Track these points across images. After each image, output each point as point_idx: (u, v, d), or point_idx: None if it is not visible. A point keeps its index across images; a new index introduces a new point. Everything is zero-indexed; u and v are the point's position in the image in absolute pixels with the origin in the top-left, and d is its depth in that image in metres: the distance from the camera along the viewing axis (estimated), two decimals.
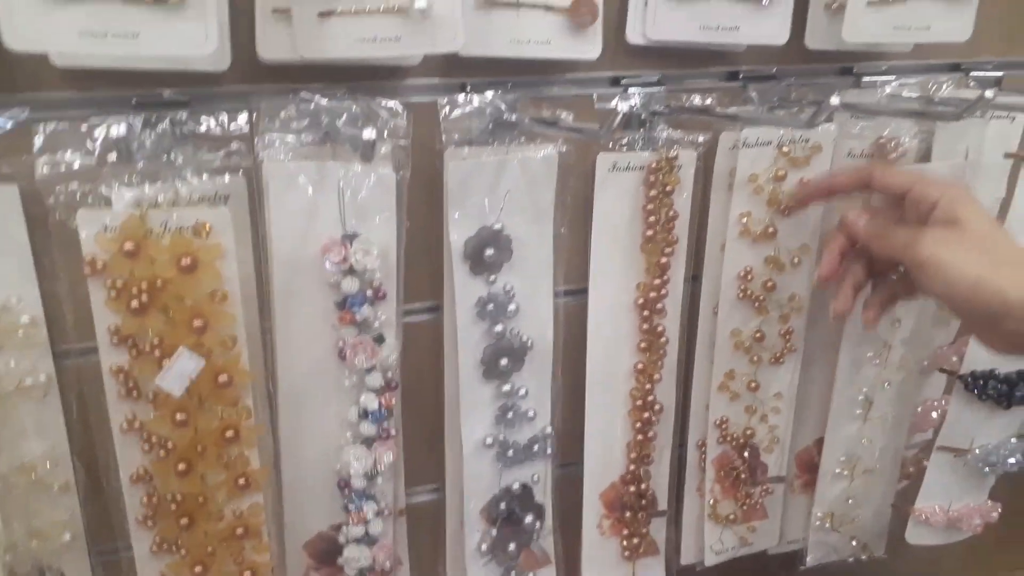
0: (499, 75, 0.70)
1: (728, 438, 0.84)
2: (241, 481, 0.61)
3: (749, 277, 0.78)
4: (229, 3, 0.58)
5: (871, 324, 0.73)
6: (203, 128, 0.61)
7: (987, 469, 0.84)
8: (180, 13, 0.49)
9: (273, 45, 0.59)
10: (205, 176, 0.61)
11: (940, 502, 0.86)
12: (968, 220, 0.62)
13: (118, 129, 0.55)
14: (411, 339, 0.75)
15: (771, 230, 0.77)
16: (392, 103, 0.64)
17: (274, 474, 0.69)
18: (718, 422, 0.83)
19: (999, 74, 0.85)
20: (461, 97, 0.68)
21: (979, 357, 0.80)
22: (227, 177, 0.62)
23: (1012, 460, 0.85)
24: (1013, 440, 0.85)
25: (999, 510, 0.89)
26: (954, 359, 0.85)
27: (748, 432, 0.84)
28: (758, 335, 0.81)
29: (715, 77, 0.77)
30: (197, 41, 0.50)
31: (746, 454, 0.85)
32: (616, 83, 0.74)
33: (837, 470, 0.86)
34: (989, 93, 0.59)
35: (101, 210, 0.55)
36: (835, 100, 0.54)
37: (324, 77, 0.65)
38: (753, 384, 0.82)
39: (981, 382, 0.80)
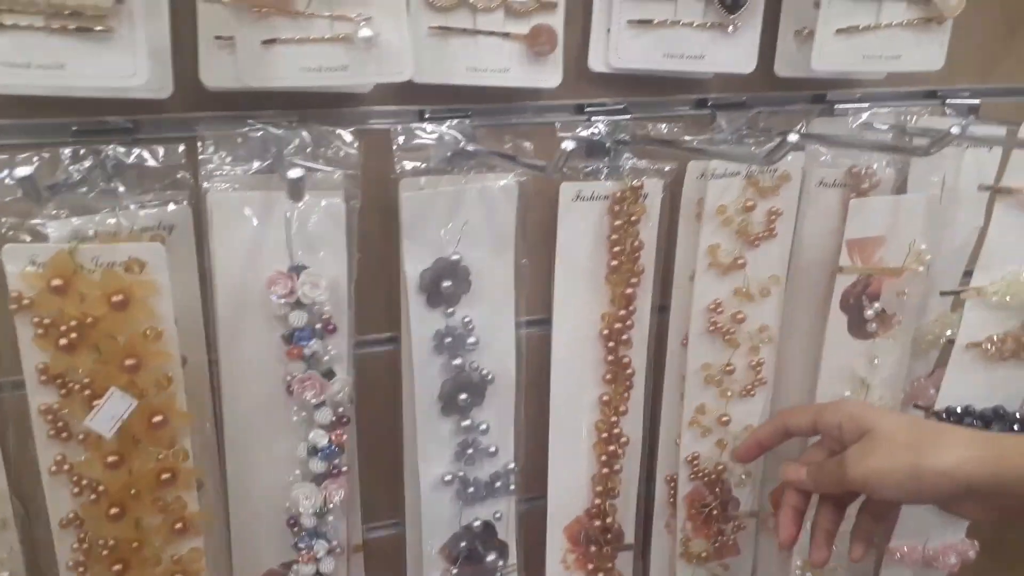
0: (462, 102, 0.68)
1: (699, 474, 0.81)
2: (179, 526, 0.59)
3: (719, 310, 0.76)
4: (171, 30, 0.56)
5: (860, 559, 0.71)
6: (147, 157, 0.59)
7: None
8: (107, 44, 0.48)
9: (217, 72, 0.57)
10: (146, 208, 0.59)
11: (915, 540, 0.84)
12: (875, 425, 0.63)
13: (45, 162, 0.53)
14: (369, 371, 0.73)
15: (740, 261, 0.75)
16: (343, 132, 0.62)
17: (222, 510, 0.67)
18: (689, 458, 0.81)
19: (975, 102, 0.83)
20: (421, 125, 0.66)
21: (955, 392, 0.78)
22: (171, 207, 0.60)
23: None
24: None
25: (976, 548, 0.86)
26: (932, 391, 0.83)
27: (719, 467, 0.82)
28: (728, 368, 0.79)
29: (684, 105, 0.76)
30: (125, 72, 0.48)
31: (718, 490, 0.83)
32: (581, 111, 0.72)
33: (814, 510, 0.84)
34: (955, 129, 0.57)
35: (28, 245, 0.53)
36: (793, 137, 0.52)
37: (275, 104, 0.63)
38: (724, 418, 0.80)
39: (956, 418, 0.78)
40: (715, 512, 0.83)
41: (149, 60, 0.50)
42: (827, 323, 0.76)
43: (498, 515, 0.75)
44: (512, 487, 0.75)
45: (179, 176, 0.61)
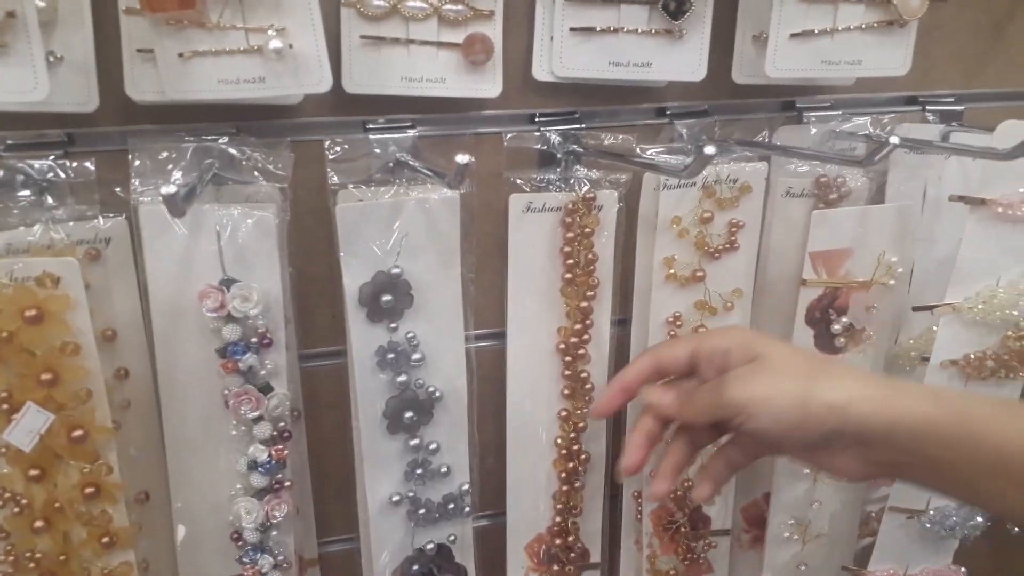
0: (407, 112, 0.67)
1: None
2: (105, 539, 0.59)
3: (678, 323, 0.74)
4: (95, 42, 0.56)
5: (707, 500, 0.64)
6: (79, 170, 0.59)
7: (943, 532, 0.78)
8: (2, 59, 0.48)
9: (141, 86, 0.57)
10: (82, 221, 0.59)
11: (894, 565, 0.80)
12: (768, 352, 0.56)
13: None
14: (318, 384, 0.73)
15: (699, 274, 0.73)
16: (275, 144, 0.62)
17: (166, 524, 0.67)
18: (653, 473, 0.78)
19: (959, 108, 0.80)
20: (363, 136, 0.65)
21: None
22: (101, 220, 0.60)
23: (973, 522, 0.78)
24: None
25: (964, 575, 0.82)
26: None
27: (687, 484, 0.79)
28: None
29: (644, 114, 0.74)
30: (25, 87, 0.48)
31: (686, 507, 0.80)
32: (532, 120, 0.71)
33: (786, 534, 0.81)
34: (894, 139, 0.54)
35: None
36: (710, 149, 0.49)
37: (212, 116, 0.63)
38: None
39: None
40: (683, 529, 0.81)
41: (55, 75, 0.49)
42: (792, 337, 0.73)
43: (452, 538, 0.73)
44: (467, 509, 0.73)
45: (116, 189, 0.61)
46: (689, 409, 0.59)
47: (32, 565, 0.57)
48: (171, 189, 0.43)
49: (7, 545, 0.57)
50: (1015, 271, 0.70)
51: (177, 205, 0.44)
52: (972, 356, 0.72)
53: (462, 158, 0.50)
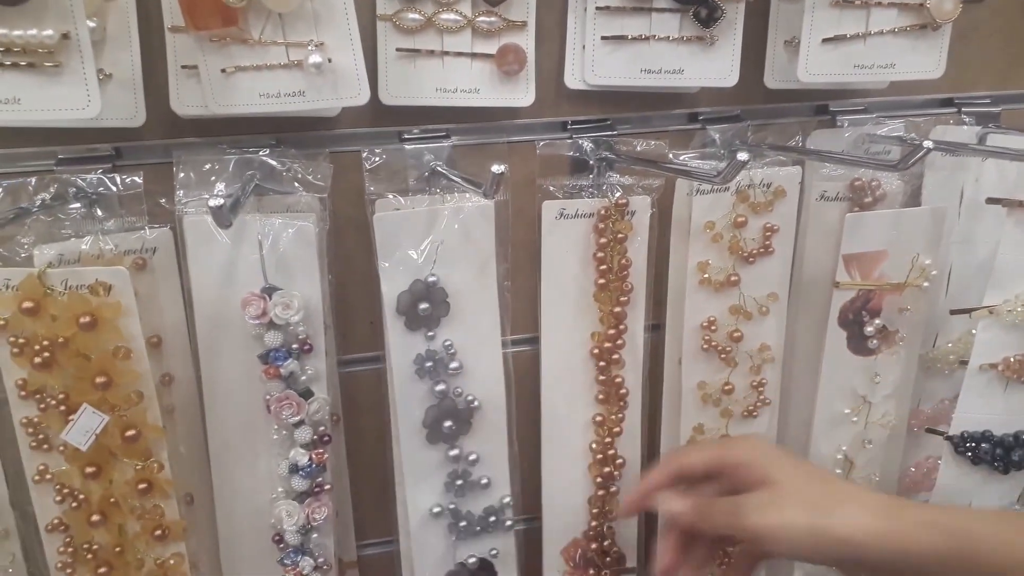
0: (443, 122, 0.68)
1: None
2: (158, 532, 0.61)
3: (713, 327, 0.74)
4: (142, 60, 0.58)
5: None
6: (127, 183, 0.62)
7: None
8: (57, 78, 0.50)
9: (186, 100, 0.59)
10: (129, 231, 0.62)
11: None
12: (780, 476, 0.58)
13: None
14: (357, 390, 0.74)
15: (734, 278, 0.73)
16: (315, 155, 0.64)
17: (211, 524, 0.69)
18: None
19: (996, 109, 0.79)
20: (401, 146, 0.66)
21: (971, 416, 0.74)
22: (147, 231, 0.62)
23: None
24: (1016, 507, 0.77)
25: None
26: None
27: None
28: (727, 387, 0.76)
29: (677, 120, 0.74)
30: (79, 104, 0.50)
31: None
32: (564, 128, 0.71)
33: None
34: (928, 143, 0.54)
35: (1, 269, 0.55)
36: (743, 156, 0.50)
37: (254, 129, 0.64)
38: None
39: (972, 444, 0.73)
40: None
41: (105, 91, 0.51)
42: (826, 340, 0.73)
43: (494, 552, 0.74)
44: (508, 523, 0.73)
45: (161, 201, 0.63)
46: (706, 522, 0.61)
47: (89, 556, 0.60)
48: (219, 201, 0.45)
49: (66, 537, 0.60)
50: None
51: (224, 216, 0.46)
52: (1012, 359, 0.71)
53: (497, 168, 0.52)
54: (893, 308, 0.74)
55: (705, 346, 0.75)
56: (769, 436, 0.79)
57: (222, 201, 0.45)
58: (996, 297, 0.70)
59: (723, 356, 0.75)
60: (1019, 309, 0.69)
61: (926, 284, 0.73)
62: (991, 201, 0.68)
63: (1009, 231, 0.69)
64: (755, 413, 0.78)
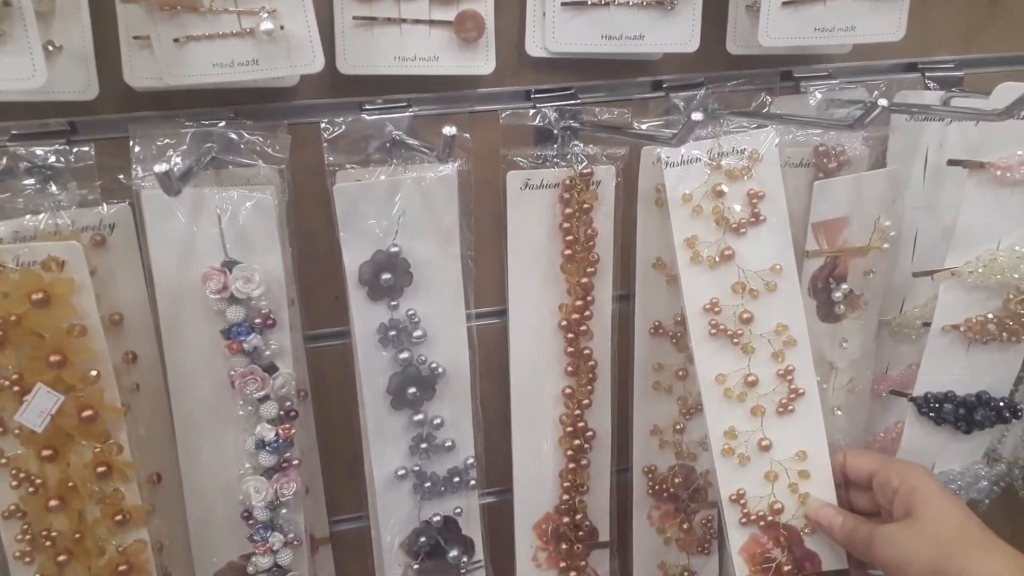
0: (403, 91, 0.68)
1: (753, 518, 0.72)
2: (119, 517, 0.60)
3: (717, 309, 0.69)
4: (93, 31, 0.57)
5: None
6: (81, 157, 0.61)
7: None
8: (1, 47, 0.49)
9: (139, 72, 0.58)
10: (86, 207, 0.61)
11: None
12: (921, 512, 0.63)
13: None
14: (324, 364, 0.74)
15: (728, 252, 0.68)
16: (273, 127, 0.63)
17: (179, 504, 0.68)
18: (734, 496, 0.72)
19: (959, 73, 0.79)
20: (361, 117, 0.66)
21: (935, 378, 0.74)
22: (104, 207, 0.61)
23: (980, 486, 0.78)
24: (979, 465, 0.78)
25: None
26: None
27: (776, 507, 0.71)
28: (751, 379, 0.70)
29: (640, 87, 0.74)
30: (24, 74, 0.49)
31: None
32: (527, 97, 0.71)
33: None
34: (883, 101, 0.54)
35: None
36: (697, 115, 0.50)
37: (211, 101, 0.64)
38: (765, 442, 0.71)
39: (936, 405, 0.74)
40: (786, 568, 0.72)
41: (56, 64, 0.50)
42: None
43: (458, 510, 0.74)
44: (472, 482, 0.74)
45: (119, 176, 0.62)
46: (847, 545, 0.69)
47: (48, 543, 0.59)
48: (164, 167, 0.44)
49: (24, 524, 0.59)
50: (1015, 235, 0.69)
51: (171, 183, 0.45)
52: (974, 320, 0.71)
53: (448, 130, 0.51)
54: (858, 272, 0.74)
55: (713, 331, 0.69)
56: (811, 434, 0.72)
57: (167, 167, 0.44)
58: (958, 259, 0.70)
59: (736, 342, 0.70)
60: (980, 270, 0.70)
61: (886, 246, 0.73)
62: (952, 163, 0.69)
63: (970, 193, 0.69)
64: (790, 408, 0.71)
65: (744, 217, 0.69)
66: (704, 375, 0.70)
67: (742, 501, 0.71)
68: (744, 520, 0.71)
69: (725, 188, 0.69)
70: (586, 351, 0.75)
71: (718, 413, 0.70)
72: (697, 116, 0.50)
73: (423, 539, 0.74)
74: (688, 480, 0.81)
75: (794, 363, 0.71)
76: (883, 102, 0.53)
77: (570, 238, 0.72)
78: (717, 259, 0.69)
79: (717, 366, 0.70)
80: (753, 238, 0.70)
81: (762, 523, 0.71)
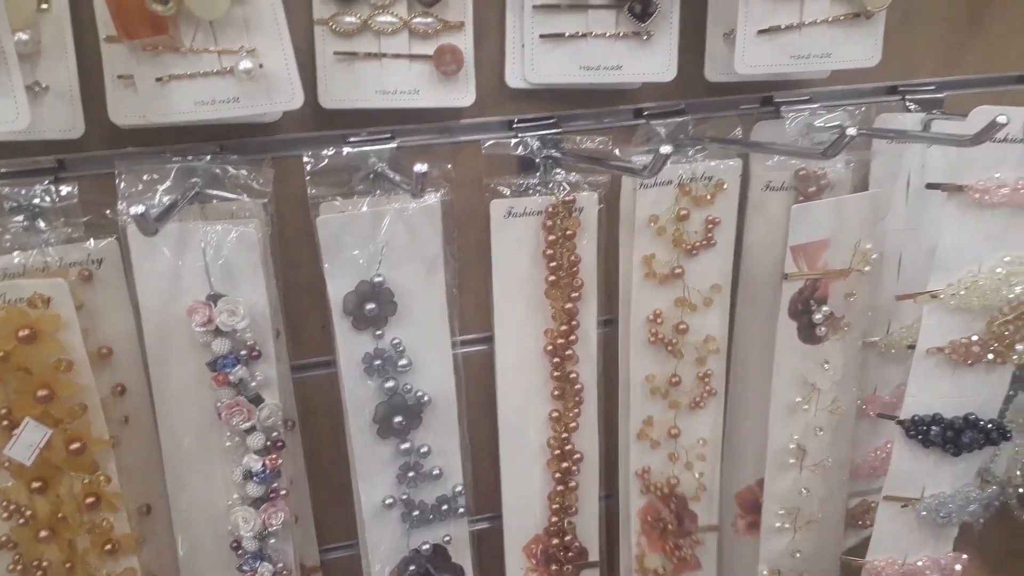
0: (389, 124, 0.69)
1: (651, 488, 0.80)
2: (108, 547, 0.61)
3: (659, 320, 0.75)
4: (79, 71, 0.59)
5: None
6: (68, 195, 0.62)
7: (940, 520, 0.77)
8: None
9: (124, 111, 0.59)
10: (73, 243, 0.62)
11: (893, 555, 0.80)
12: None
13: None
14: (313, 394, 0.74)
15: (678, 271, 0.74)
16: (258, 161, 0.64)
17: (168, 535, 0.69)
18: (639, 472, 0.79)
19: (940, 96, 0.80)
20: (342, 150, 0.67)
21: (921, 400, 0.74)
22: (91, 242, 0.62)
23: (971, 508, 0.78)
24: (970, 487, 0.78)
25: (963, 562, 0.82)
26: None
27: (672, 481, 0.80)
28: (674, 379, 0.77)
29: (622, 115, 0.75)
30: (7, 117, 0.50)
31: (672, 504, 0.81)
32: (510, 127, 0.72)
33: (778, 524, 0.81)
34: (851, 130, 0.54)
35: None
36: (666, 149, 0.50)
37: (194, 136, 0.65)
38: (674, 431, 0.79)
39: (923, 428, 0.74)
40: (670, 527, 0.81)
41: (42, 103, 0.52)
42: (777, 332, 0.74)
43: (447, 538, 0.75)
44: (461, 510, 0.74)
45: (106, 212, 0.63)
46: None
47: (39, 573, 0.60)
48: (139, 209, 0.45)
49: (15, 554, 0.60)
50: (996, 256, 0.70)
51: (147, 224, 0.46)
52: (959, 342, 0.72)
53: (420, 167, 0.52)
54: (839, 294, 0.74)
55: (652, 339, 0.76)
56: (716, 426, 0.80)
57: (143, 208, 0.45)
58: (940, 281, 0.71)
59: (669, 348, 0.76)
60: (962, 292, 0.70)
61: (867, 268, 0.74)
62: (931, 186, 0.69)
63: (949, 216, 0.69)
64: (702, 404, 0.79)
65: (698, 240, 0.73)
66: (635, 375, 0.77)
67: (646, 475, 0.80)
68: (644, 490, 0.80)
69: (689, 212, 0.73)
70: (572, 375, 0.76)
71: (642, 405, 0.78)
72: (666, 149, 0.51)
73: (412, 568, 0.74)
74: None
75: (713, 368, 0.78)
76: (851, 131, 0.54)
77: (554, 264, 0.72)
78: (667, 276, 0.74)
79: (649, 368, 0.77)
80: (702, 259, 0.75)
81: (659, 493, 0.80)
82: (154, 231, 0.47)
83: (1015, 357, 0.72)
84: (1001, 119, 0.56)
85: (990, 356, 0.72)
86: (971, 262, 0.70)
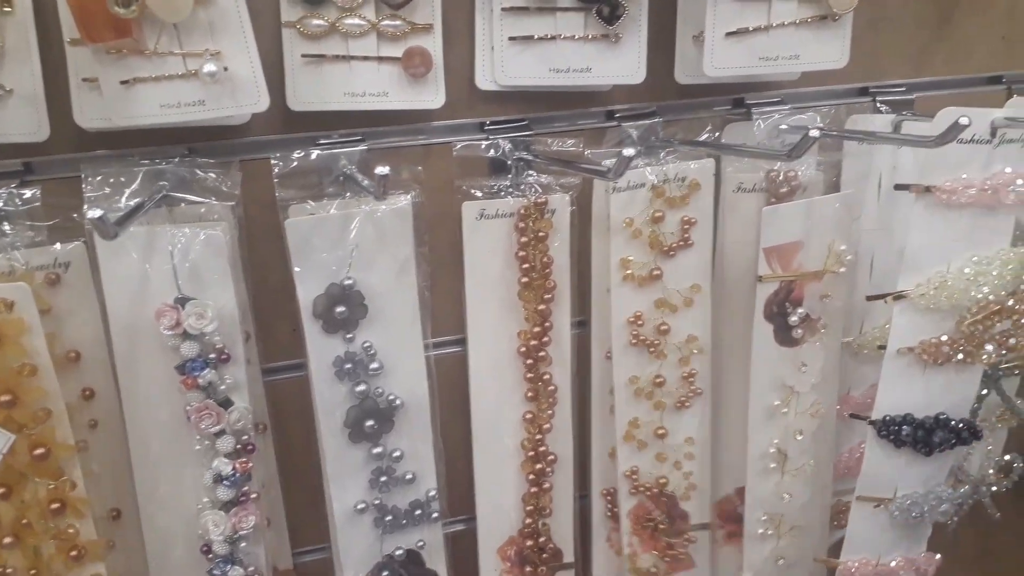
0: (360, 126, 0.69)
1: (640, 488, 0.80)
2: (74, 552, 0.60)
3: (640, 322, 0.75)
4: (44, 74, 0.58)
5: None
6: (33, 198, 0.61)
7: (912, 519, 0.78)
8: None
9: (89, 114, 0.59)
10: (39, 246, 0.61)
11: (867, 555, 0.80)
12: None
13: None
14: (285, 397, 0.74)
15: (656, 272, 0.74)
16: (227, 164, 0.64)
17: (138, 539, 0.68)
18: (628, 472, 0.79)
19: (910, 97, 0.80)
20: (311, 152, 0.67)
21: (892, 400, 0.74)
22: (59, 246, 0.62)
23: (943, 508, 0.79)
24: (942, 487, 0.79)
25: (938, 562, 0.82)
26: None
27: (661, 481, 0.80)
28: (658, 380, 0.77)
29: (594, 117, 0.75)
30: None
31: (663, 503, 0.81)
32: (482, 129, 0.72)
33: (761, 530, 0.81)
34: (814, 132, 0.55)
35: None
36: (629, 151, 0.51)
37: (163, 139, 0.64)
38: (660, 431, 0.78)
39: (895, 428, 0.74)
40: (661, 526, 0.81)
41: (6, 107, 0.52)
42: (752, 334, 0.74)
43: (421, 543, 0.74)
44: (435, 515, 0.74)
45: (74, 215, 0.63)
46: None
47: None
48: (96, 213, 0.45)
49: None
50: (964, 257, 0.70)
51: (106, 229, 0.46)
52: (929, 342, 0.72)
53: (381, 169, 0.52)
54: (814, 296, 0.75)
55: (634, 341, 0.75)
56: (703, 425, 0.80)
57: (100, 212, 0.45)
58: (909, 281, 0.71)
59: (652, 350, 0.76)
60: (931, 292, 0.70)
61: (842, 269, 0.74)
62: (899, 187, 0.69)
63: (918, 216, 0.70)
64: (687, 404, 0.79)
65: (675, 241, 0.73)
66: (620, 377, 0.76)
67: (634, 476, 0.79)
68: (633, 491, 0.80)
69: (664, 214, 0.73)
70: (546, 376, 0.76)
71: (627, 407, 0.77)
72: (628, 152, 0.51)
73: (386, 573, 0.74)
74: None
75: (697, 368, 0.78)
76: (814, 133, 0.54)
77: (526, 266, 0.72)
78: (646, 278, 0.74)
79: (633, 369, 0.77)
80: (680, 260, 0.75)
81: (648, 493, 0.80)
82: (114, 235, 0.47)
83: (984, 357, 0.73)
84: (963, 120, 0.56)
85: (960, 356, 0.73)
86: (940, 262, 0.70)
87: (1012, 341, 0.74)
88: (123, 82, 0.56)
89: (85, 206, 0.61)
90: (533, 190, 0.71)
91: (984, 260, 0.70)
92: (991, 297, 0.70)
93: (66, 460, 0.59)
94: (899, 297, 0.70)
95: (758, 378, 0.77)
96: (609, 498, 0.82)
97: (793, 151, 0.55)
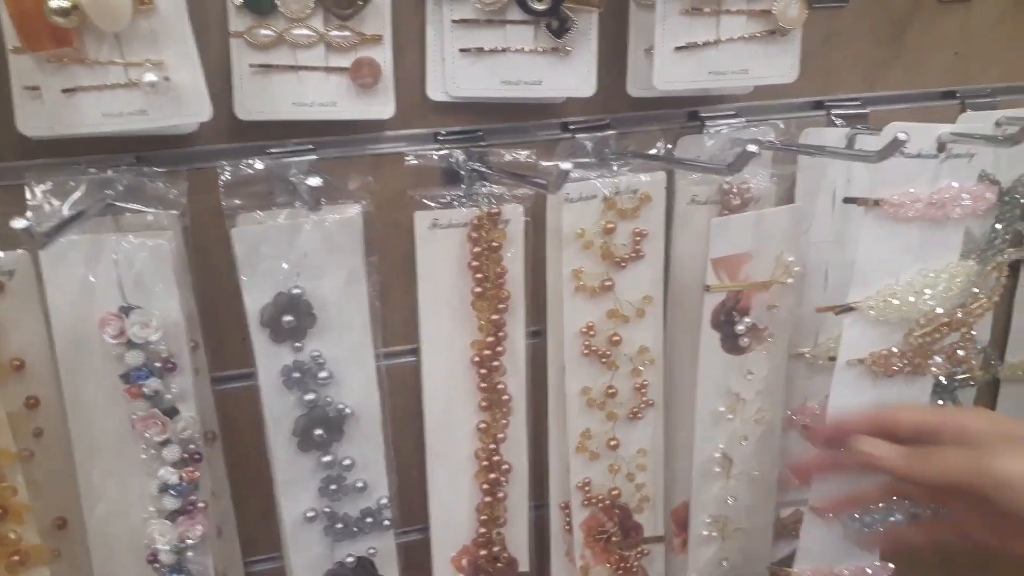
0: (311, 137, 0.68)
1: (593, 500, 0.80)
2: (15, 558, 0.60)
3: (592, 332, 0.75)
4: None
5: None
6: None
7: (865, 529, 0.78)
8: None
9: (32, 122, 0.59)
10: None
11: (819, 564, 0.81)
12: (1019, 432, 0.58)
13: None
14: (235, 406, 0.74)
15: (608, 283, 0.74)
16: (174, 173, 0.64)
17: (84, 548, 0.68)
18: (580, 484, 0.79)
19: (864, 111, 0.81)
20: (262, 161, 0.66)
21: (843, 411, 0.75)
22: (3, 254, 0.61)
23: (895, 518, 0.79)
24: (894, 498, 0.79)
25: (891, 571, 0.83)
26: None
27: (614, 492, 0.80)
28: (611, 391, 0.77)
29: (549, 129, 0.75)
30: None
31: (616, 515, 0.81)
32: (435, 139, 0.72)
33: (705, 532, 0.82)
34: (752, 148, 0.55)
35: None
36: (566, 165, 0.51)
37: (110, 148, 0.64)
38: (613, 442, 0.79)
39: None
40: (614, 538, 0.82)
41: None
42: (700, 342, 0.75)
43: (372, 551, 0.74)
44: (386, 522, 0.74)
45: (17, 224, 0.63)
46: (924, 468, 0.60)
47: None
48: (21, 223, 0.45)
49: None
50: (913, 269, 0.71)
51: (32, 239, 0.46)
52: (879, 354, 0.72)
53: (312, 180, 0.52)
54: (762, 306, 0.75)
55: (586, 351, 0.75)
56: (656, 436, 0.80)
57: (25, 223, 0.44)
58: (860, 293, 0.71)
59: (604, 360, 0.76)
60: (880, 305, 0.71)
61: (790, 280, 0.75)
62: (848, 201, 0.70)
63: (867, 229, 0.70)
64: (640, 415, 0.79)
65: (627, 252, 0.73)
66: (571, 388, 0.76)
67: (587, 488, 0.79)
68: (586, 503, 0.80)
69: (615, 226, 0.73)
70: (500, 386, 0.76)
71: (579, 417, 0.78)
72: (565, 166, 0.51)
73: None
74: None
75: (649, 379, 0.78)
76: (752, 148, 0.55)
77: (480, 276, 0.73)
78: (598, 289, 0.74)
79: (585, 380, 0.77)
80: (631, 271, 0.75)
81: (601, 505, 0.80)
82: (42, 245, 0.47)
83: (933, 369, 0.73)
84: (901, 136, 0.57)
85: (908, 368, 0.73)
86: (889, 275, 0.71)
87: (960, 353, 0.75)
88: (65, 91, 0.56)
89: (27, 214, 0.61)
90: (487, 200, 0.71)
91: (932, 273, 0.71)
92: (939, 310, 0.71)
93: (8, 466, 0.59)
94: (847, 309, 0.70)
95: (705, 385, 0.77)
96: (566, 511, 0.82)
97: (732, 165, 0.56)
